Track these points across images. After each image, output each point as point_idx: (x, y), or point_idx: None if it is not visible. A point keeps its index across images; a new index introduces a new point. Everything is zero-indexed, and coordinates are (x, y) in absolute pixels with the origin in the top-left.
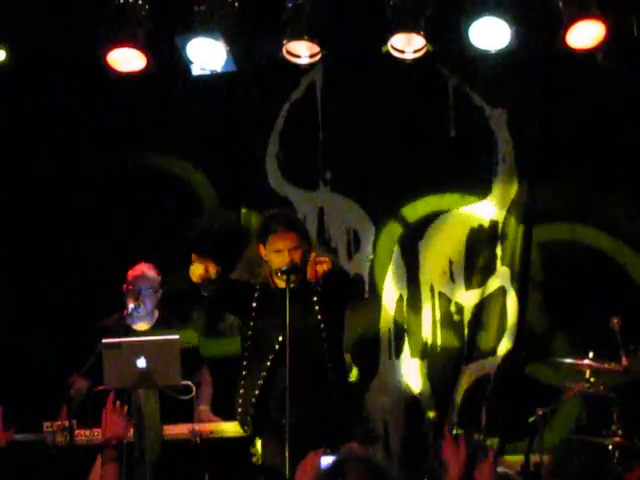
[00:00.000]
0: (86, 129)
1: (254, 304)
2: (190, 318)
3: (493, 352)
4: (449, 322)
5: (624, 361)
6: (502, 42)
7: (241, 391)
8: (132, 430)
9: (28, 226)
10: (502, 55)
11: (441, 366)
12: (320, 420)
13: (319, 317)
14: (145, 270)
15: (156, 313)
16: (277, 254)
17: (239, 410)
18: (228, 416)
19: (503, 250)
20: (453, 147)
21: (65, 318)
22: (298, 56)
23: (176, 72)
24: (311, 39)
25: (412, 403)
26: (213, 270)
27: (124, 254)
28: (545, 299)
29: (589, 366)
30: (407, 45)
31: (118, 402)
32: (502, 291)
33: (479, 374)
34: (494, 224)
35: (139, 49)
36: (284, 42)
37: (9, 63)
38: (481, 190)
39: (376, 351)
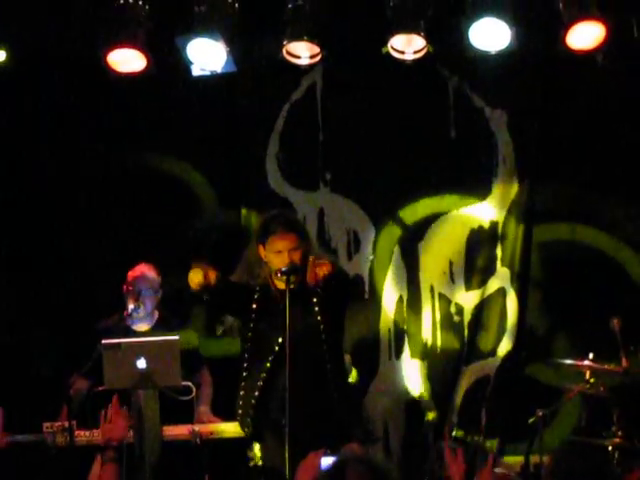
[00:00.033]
0: (86, 129)
1: (254, 306)
2: (190, 319)
3: (493, 353)
4: (449, 323)
5: (624, 362)
6: (502, 43)
7: (241, 393)
8: (132, 431)
9: (28, 226)
10: (502, 56)
11: (441, 367)
12: (320, 421)
13: (319, 318)
14: (145, 271)
15: (156, 314)
16: (277, 255)
17: (239, 412)
18: (228, 417)
19: (503, 251)
20: (453, 148)
21: (65, 318)
22: (298, 57)
23: (176, 73)
24: (311, 40)
25: (412, 404)
26: (213, 276)
27: (124, 254)
28: (545, 299)
29: (589, 367)
30: (407, 46)
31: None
32: (502, 292)
33: (479, 375)
34: (494, 225)
35: (139, 50)
36: (284, 43)
37: (9, 63)
38: (481, 191)
39: (376, 352)
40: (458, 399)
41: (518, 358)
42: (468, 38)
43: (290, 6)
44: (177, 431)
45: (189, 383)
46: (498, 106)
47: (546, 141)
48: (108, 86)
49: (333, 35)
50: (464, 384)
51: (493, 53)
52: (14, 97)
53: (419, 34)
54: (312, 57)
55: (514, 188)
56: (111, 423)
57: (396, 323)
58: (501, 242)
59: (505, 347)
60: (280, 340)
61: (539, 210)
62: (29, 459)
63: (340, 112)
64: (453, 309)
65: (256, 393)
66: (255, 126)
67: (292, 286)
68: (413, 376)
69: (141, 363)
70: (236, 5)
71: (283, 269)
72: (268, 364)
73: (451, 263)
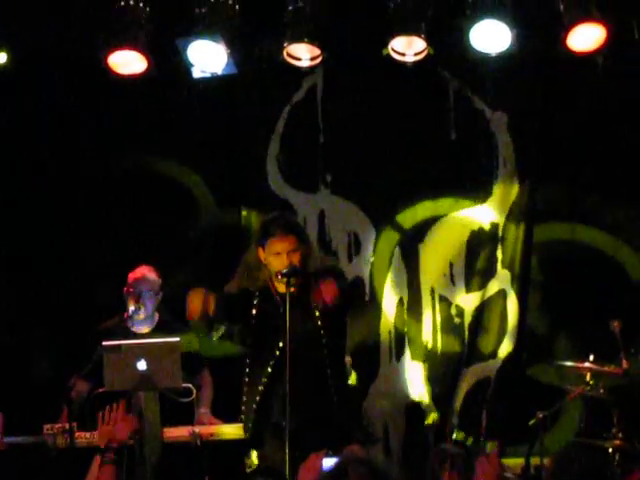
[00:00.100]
0: (86, 130)
1: (253, 311)
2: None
3: (494, 355)
4: (450, 325)
5: (624, 364)
6: (503, 45)
7: (244, 398)
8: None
9: (28, 226)
10: (503, 58)
11: (442, 369)
12: (320, 424)
13: (319, 323)
14: (146, 272)
15: (156, 316)
16: (276, 257)
17: (242, 417)
18: (228, 419)
19: (503, 253)
20: (453, 150)
21: (65, 318)
22: (299, 59)
23: (177, 75)
24: (311, 42)
25: (412, 406)
26: (212, 306)
27: (124, 254)
28: (545, 299)
29: (589, 369)
30: (408, 48)
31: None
32: (502, 294)
33: (480, 377)
34: (494, 227)
35: (140, 52)
36: (285, 45)
37: (10, 64)
38: (481, 193)
39: (376, 354)
40: (459, 401)
41: (519, 360)
42: (469, 40)
43: (291, 8)
44: (177, 433)
45: (189, 385)
46: (499, 108)
47: (546, 142)
48: (108, 87)
49: (334, 37)
50: (465, 386)
51: (494, 55)
52: (14, 97)
53: (419, 36)
54: (313, 59)
55: (514, 190)
56: (114, 425)
57: (396, 325)
58: (501, 244)
59: (506, 349)
60: (281, 344)
61: (539, 210)
62: (29, 461)
63: (341, 114)
64: (454, 311)
65: (257, 398)
66: (256, 128)
67: (292, 289)
68: (414, 378)
69: (141, 365)
70: (237, 7)
71: (283, 271)
72: (269, 369)
73: (451, 265)
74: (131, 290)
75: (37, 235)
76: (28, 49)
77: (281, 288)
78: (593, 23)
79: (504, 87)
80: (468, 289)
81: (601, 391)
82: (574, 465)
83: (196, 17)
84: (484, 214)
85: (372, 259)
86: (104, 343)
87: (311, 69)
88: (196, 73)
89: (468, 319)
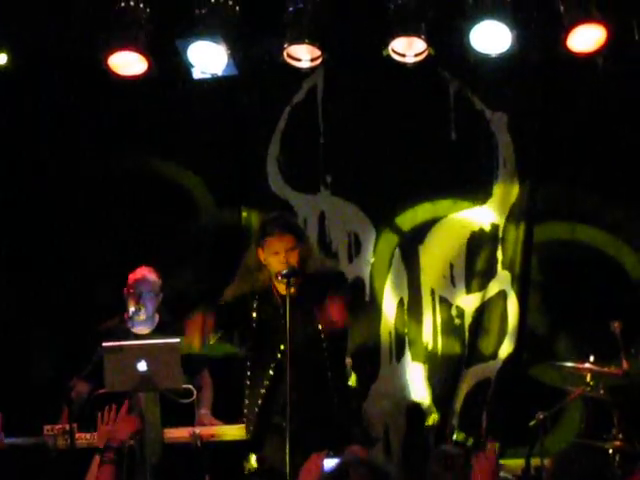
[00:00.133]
0: (86, 130)
1: (253, 315)
2: None
3: (494, 356)
4: (450, 326)
5: (625, 364)
6: (503, 46)
7: (246, 401)
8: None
9: (28, 226)
10: (503, 59)
11: (442, 370)
12: (321, 425)
13: (320, 326)
14: (146, 273)
15: (157, 317)
16: (275, 256)
17: (245, 420)
18: (229, 419)
19: (504, 254)
20: (454, 151)
21: (65, 318)
22: (299, 60)
23: (177, 75)
24: (312, 42)
25: (413, 407)
26: (211, 328)
27: (124, 254)
28: (545, 300)
29: (590, 369)
30: (408, 49)
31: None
32: (503, 295)
33: (480, 378)
34: (495, 228)
35: (140, 52)
36: (285, 46)
37: (10, 64)
38: (482, 194)
39: (377, 355)
40: (459, 402)
41: (519, 360)
42: (469, 41)
43: (291, 9)
44: (178, 434)
45: (190, 386)
46: (499, 108)
47: (546, 143)
48: (108, 87)
49: (334, 38)
50: (465, 387)
51: (494, 56)
52: (15, 97)
53: (420, 37)
54: (313, 60)
55: (515, 190)
56: (114, 425)
57: (397, 326)
58: (502, 245)
59: (506, 350)
60: (282, 347)
61: (539, 210)
62: (29, 461)
63: (341, 115)
64: (454, 312)
65: (259, 401)
66: (256, 128)
67: (292, 290)
68: (414, 379)
69: (142, 366)
70: (237, 8)
71: (283, 272)
72: (271, 371)
73: (452, 266)
74: (131, 291)
75: (37, 235)
76: (28, 49)
77: (282, 289)
78: (593, 24)
79: (504, 88)
80: (468, 290)
81: (601, 392)
82: (574, 466)
83: (196, 18)
84: (484, 215)
85: (372, 260)
86: (104, 344)
87: (311, 70)
88: (196, 74)
89: (468, 320)
